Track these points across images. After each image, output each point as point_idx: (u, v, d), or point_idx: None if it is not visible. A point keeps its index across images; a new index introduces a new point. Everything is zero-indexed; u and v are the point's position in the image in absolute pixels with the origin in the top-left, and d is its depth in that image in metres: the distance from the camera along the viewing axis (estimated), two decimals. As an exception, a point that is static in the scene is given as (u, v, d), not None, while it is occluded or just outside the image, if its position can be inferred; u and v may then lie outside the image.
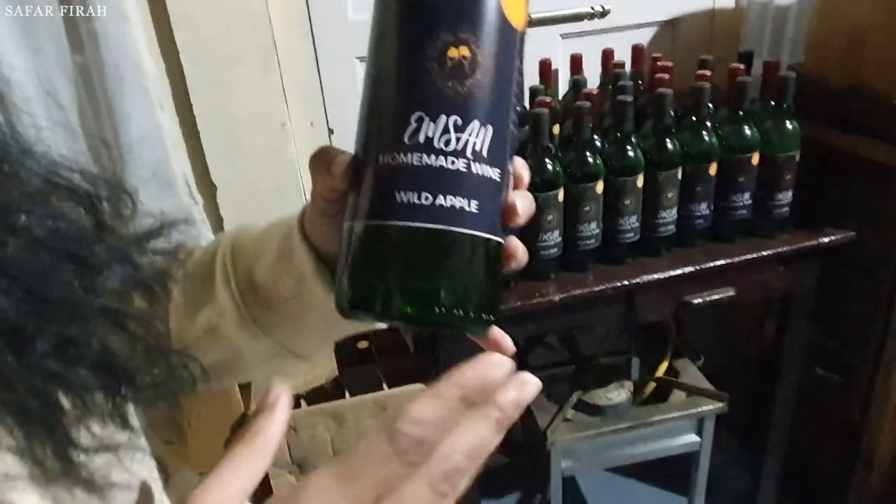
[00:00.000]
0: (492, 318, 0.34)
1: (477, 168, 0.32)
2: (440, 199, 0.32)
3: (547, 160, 1.07)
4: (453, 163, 0.32)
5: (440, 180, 0.32)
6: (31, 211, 0.26)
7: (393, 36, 0.33)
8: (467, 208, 0.32)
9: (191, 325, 0.46)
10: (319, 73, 1.41)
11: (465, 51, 0.32)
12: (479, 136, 0.32)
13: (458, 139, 0.32)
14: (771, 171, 1.17)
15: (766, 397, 1.43)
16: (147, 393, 0.29)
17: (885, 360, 1.32)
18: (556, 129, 1.20)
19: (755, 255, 1.20)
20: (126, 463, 0.28)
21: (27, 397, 0.24)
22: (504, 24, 0.33)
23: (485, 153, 0.33)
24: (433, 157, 0.32)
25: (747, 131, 1.13)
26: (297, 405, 1.18)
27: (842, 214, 1.25)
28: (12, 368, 0.23)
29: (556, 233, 1.12)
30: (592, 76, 1.34)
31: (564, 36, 1.48)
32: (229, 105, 1.33)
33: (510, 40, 0.33)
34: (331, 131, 1.46)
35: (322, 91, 1.43)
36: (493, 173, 0.33)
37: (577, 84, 1.23)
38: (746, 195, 1.18)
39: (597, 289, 1.15)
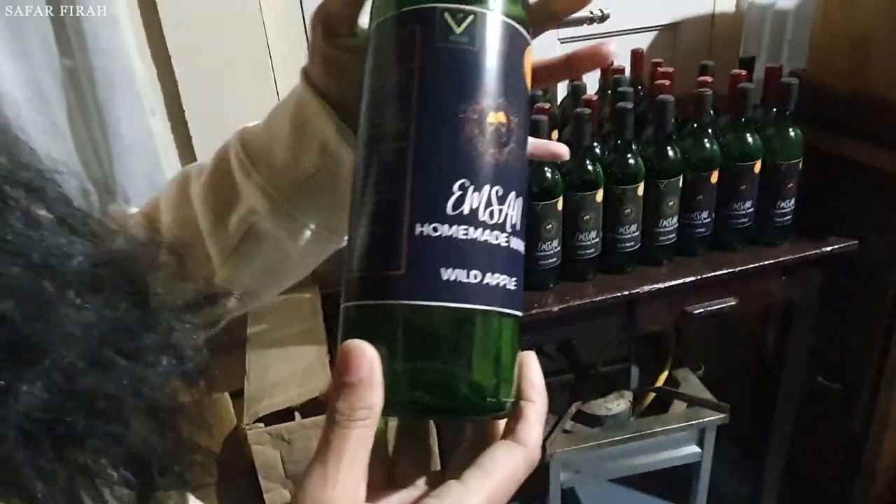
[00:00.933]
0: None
1: (515, 243, 0.30)
2: (488, 278, 0.29)
3: (545, 168, 1.05)
4: (497, 237, 0.29)
5: (488, 257, 0.29)
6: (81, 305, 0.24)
7: (427, 94, 0.30)
8: (510, 287, 0.30)
9: (225, 236, 0.44)
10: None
11: (502, 117, 0.30)
12: (514, 208, 0.30)
13: (500, 211, 0.30)
14: (773, 179, 1.15)
15: (767, 407, 1.41)
16: (170, 484, 0.27)
17: (887, 370, 1.30)
18: (555, 135, 1.18)
19: (757, 265, 1.18)
20: None
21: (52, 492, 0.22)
22: (527, 91, 0.32)
23: (518, 226, 0.31)
24: (479, 230, 0.29)
25: (749, 139, 1.12)
26: (291, 418, 1.16)
27: (845, 222, 1.23)
28: (48, 463, 0.22)
29: (556, 242, 1.10)
30: (592, 82, 1.33)
31: (563, 40, 1.46)
32: (222, 110, 1.31)
33: (529, 107, 0.33)
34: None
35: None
36: (522, 247, 0.31)
37: (576, 90, 1.21)
38: (748, 203, 1.16)
39: (596, 299, 1.12)
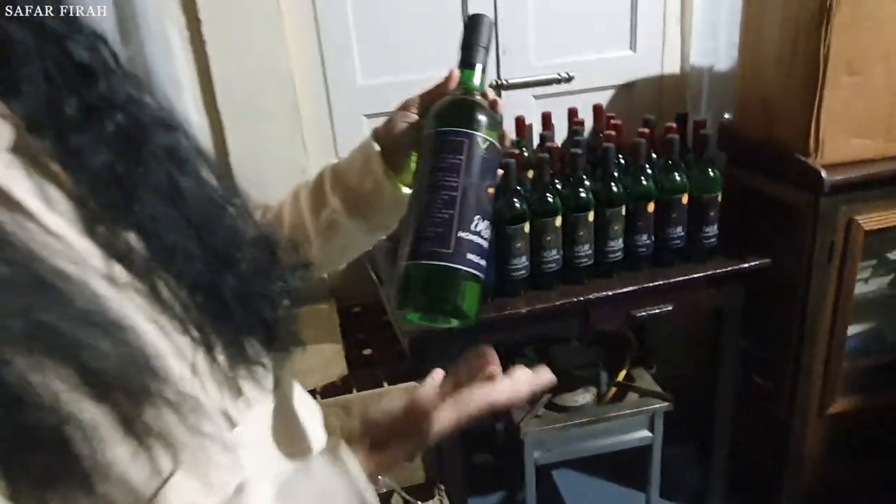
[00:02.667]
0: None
1: (487, 245, 0.63)
2: (480, 260, 0.62)
3: (515, 199, 1.35)
4: (485, 242, 0.62)
5: (481, 250, 0.62)
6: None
7: (467, 174, 0.62)
8: (484, 266, 0.62)
9: (318, 225, 0.74)
10: (333, 128, 1.71)
11: (493, 188, 0.64)
12: (490, 230, 0.63)
13: (487, 230, 0.63)
14: (698, 209, 1.44)
15: (710, 401, 1.67)
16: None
17: (802, 367, 1.57)
18: (530, 174, 1.48)
19: (689, 277, 1.46)
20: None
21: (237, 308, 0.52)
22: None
23: (488, 236, 0.63)
24: (480, 238, 0.62)
25: (677, 177, 1.41)
26: (312, 398, 1.44)
27: (762, 244, 1.52)
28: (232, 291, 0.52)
29: (524, 258, 1.39)
30: (563, 130, 1.63)
31: (537, 97, 1.78)
32: (259, 154, 1.62)
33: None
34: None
35: (335, 142, 1.72)
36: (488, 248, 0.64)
37: (543, 138, 1.52)
38: (679, 228, 1.45)
39: (558, 303, 1.41)
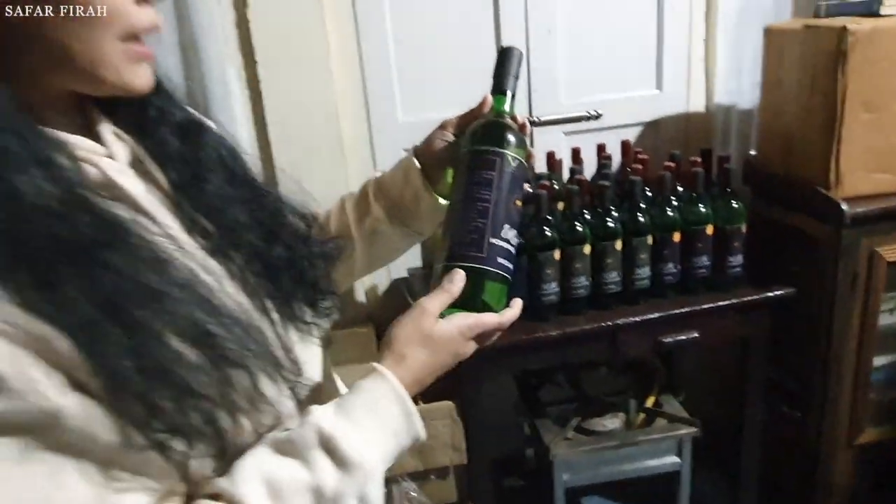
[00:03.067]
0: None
1: (515, 251, 0.73)
2: (509, 262, 0.72)
3: (546, 228, 1.43)
4: (513, 247, 0.73)
5: (509, 254, 0.72)
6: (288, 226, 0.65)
7: (499, 187, 0.71)
8: (512, 269, 0.72)
9: (362, 231, 0.83)
10: (374, 161, 1.82)
11: (521, 200, 0.73)
12: (517, 238, 0.74)
13: (515, 237, 0.73)
14: (723, 240, 1.50)
15: (739, 428, 1.70)
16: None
17: (829, 397, 1.60)
18: (560, 205, 1.56)
19: (715, 305, 1.52)
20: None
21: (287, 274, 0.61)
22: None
23: (516, 243, 0.73)
24: (508, 244, 0.72)
25: (701, 208, 1.48)
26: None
27: (787, 274, 1.57)
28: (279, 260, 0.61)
29: (554, 284, 1.47)
30: (591, 164, 1.71)
31: (567, 133, 1.87)
32: (305, 183, 1.73)
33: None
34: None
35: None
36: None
37: (572, 172, 1.60)
38: (705, 258, 1.51)
39: (587, 327, 1.48)
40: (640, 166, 1.54)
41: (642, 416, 1.72)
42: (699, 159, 1.54)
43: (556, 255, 1.45)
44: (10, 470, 0.41)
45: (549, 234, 1.43)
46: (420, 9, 1.72)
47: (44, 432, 0.42)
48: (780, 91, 1.60)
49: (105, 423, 0.44)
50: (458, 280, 0.68)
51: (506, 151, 0.71)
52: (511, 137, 0.72)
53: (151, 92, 0.56)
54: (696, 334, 1.54)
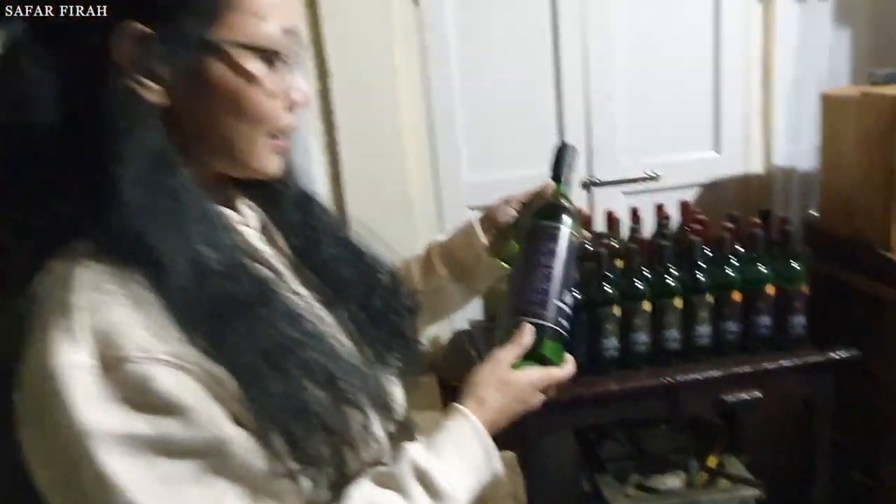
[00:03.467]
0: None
1: (571, 311, 0.82)
2: (567, 322, 0.81)
3: (605, 285, 1.48)
4: (570, 309, 0.82)
5: (568, 315, 0.81)
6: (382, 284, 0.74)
7: (561, 256, 0.81)
8: (568, 325, 0.81)
9: (428, 287, 0.91)
10: (441, 217, 1.92)
11: (577, 270, 0.83)
12: (573, 300, 0.83)
13: (573, 300, 0.82)
14: (784, 300, 1.52)
15: (804, 494, 1.66)
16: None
17: (900, 462, 1.56)
18: (620, 263, 1.62)
19: (777, 365, 1.52)
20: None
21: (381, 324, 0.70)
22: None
23: (572, 305, 0.82)
24: (567, 307, 0.81)
25: (761, 269, 1.51)
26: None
27: (851, 336, 1.56)
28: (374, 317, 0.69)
29: (614, 339, 1.51)
30: (650, 224, 1.76)
31: (626, 193, 1.93)
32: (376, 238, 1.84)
33: None
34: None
35: (441, 230, 1.92)
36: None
37: (632, 231, 1.66)
38: (766, 318, 1.53)
39: (647, 383, 1.50)
40: (698, 226, 1.58)
41: (704, 475, 1.70)
42: (758, 220, 1.57)
43: (616, 311, 1.50)
44: (187, 488, 0.50)
45: (609, 290, 1.48)
46: (487, 75, 1.85)
47: (214, 458, 0.51)
48: (838, 154, 1.63)
49: (256, 453, 0.53)
50: (527, 335, 0.76)
51: (567, 228, 0.83)
52: (569, 218, 0.84)
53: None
54: (758, 394, 1.54)
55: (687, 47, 1.88)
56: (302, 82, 0.62)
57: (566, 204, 0.87)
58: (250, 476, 0.53)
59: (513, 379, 0.73)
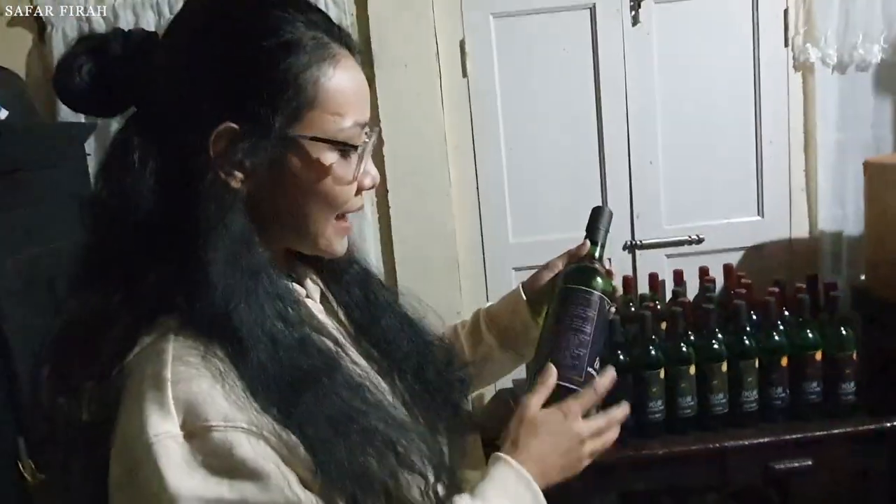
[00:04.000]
0: None
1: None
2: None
3: (650, 347, 1.50)
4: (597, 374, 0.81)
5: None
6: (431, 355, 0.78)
7: (595, 324, 0.82)
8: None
9: (473, 354, 0.94)
10: (486, 279, 1.97)
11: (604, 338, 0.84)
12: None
13: (600, 365, 0.82)
14: (833, 366, 1.51)
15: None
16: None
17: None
18: (663, 325, 1.63)
19: (828, 433, 1.50)
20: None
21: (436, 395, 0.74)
22: None
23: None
24: (596, 374, 0.80)
25: (809, 335, 1.50)
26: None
27: (905, 405, 1.53)
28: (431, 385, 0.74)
29: (660, 402, 1.51)
30: (693, 287, 1.78)
31: (669, 256, 1.96)
32: (423, 297, 1.89)
33: None
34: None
35: (486, 290, 1.97)
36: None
37: (675, 294, 1.68)
38: (815, 384, 1.52)
39: (693, 448, 1.49)
40: (743, 290, 1.59)
41: (754, 547, 1.66)
42: (804, 285, 1.58)
43: (661, 374, 1.51)
44: None
45: (653, 353, 1.50)
46: (532, 141, 1.93)
47: None
48: (884, 220, 1.64)
49: None
50: (550, 377, 0.76)
51: (601, 294, 0.84)
52: (602, 281, 0.85)
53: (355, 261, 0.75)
54: (809, 462, 1.51)
55: (728, 113, 1.93)
56: (372, 167, 0.67)
57: (598, 267, 0.87)
58: None
59: (540, 415, 0.73)
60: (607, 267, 0.91)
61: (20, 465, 1.25)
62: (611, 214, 0.94)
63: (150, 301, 0.58)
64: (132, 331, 0.58)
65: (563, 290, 0.85)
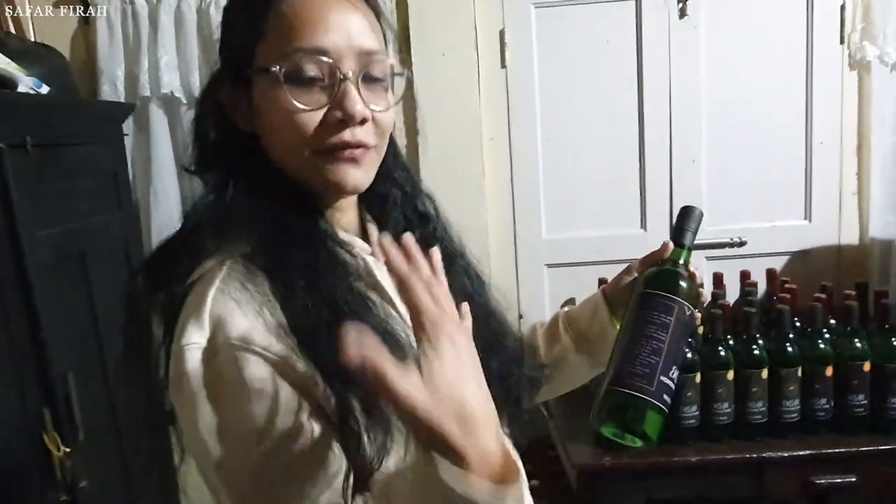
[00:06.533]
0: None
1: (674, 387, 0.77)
2: (669, 398, 0.74)
3: (687, 350, 1.44)
4: (675, 384, 0.75)
5: (671, 391, 0.75)
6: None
7: (674, 330, 0.75)
8: (670, 401, 0.75)
9: (549, 355, 0.91)
10: (517, 274, 1.93)
11: (687, 347, 0.82)
12: (678, 376, 0.77)
13: (677, 377, 0.76)
14: (882, 378, 1.43)
15: None
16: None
17: None
18: (701, 329, 1.57)
19: (874, 448, 1.42)
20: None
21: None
22: None
23: (676, 381, 0.77)
24: (673, 383, 0.75)
25: (857, 344, 1.43)
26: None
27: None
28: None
29: (695, 407, 1.45)
30: (734, 290, 1.71)
31: (709, 258, 1.89)
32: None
33: None
34: (520, 316, 1.94)
35: (518, 287, 1.93)
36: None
37: (715, 296, 1.61)
38: (861, 396, 1.44)
39: (728, 457, 1.43)
40: (787, 295, 1.52)
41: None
42: (853, 293, 1.50)
43: (697, 378, 1.44)
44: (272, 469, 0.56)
45: (690, 356, 1.44)
46: (570, 136, 1.88)
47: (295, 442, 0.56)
48: (943, 228, 1.55)
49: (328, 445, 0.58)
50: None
51: (683, 301, 0.77)
52: (685, 286, 0.79)
53: (426, 218, 0.76)
54: (852, 478, 1.43)
55: (778, 112, 1.86)
56: (351, 101, 0.63)
57: (683, 273, 0.81)
58: (321, 465, 0.56)
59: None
60: (692, 270, 0.83)
61: (45, 438, 1.25)
62: (701, 215, 0.88)
63: (218, 226, 0.63)
64: (201, 252, 0.63)
65: (641, 295, 0.80)
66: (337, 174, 0.65)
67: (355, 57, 0.64)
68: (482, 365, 0.65)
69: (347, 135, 0.64)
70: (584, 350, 0.90)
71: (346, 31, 0.63)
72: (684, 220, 0.86)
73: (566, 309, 0.95)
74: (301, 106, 0.62)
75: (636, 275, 0.87)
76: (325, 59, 0.62)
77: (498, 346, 0.73)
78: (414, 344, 0.61)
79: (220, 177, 0.66)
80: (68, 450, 1.26)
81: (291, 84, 0.62)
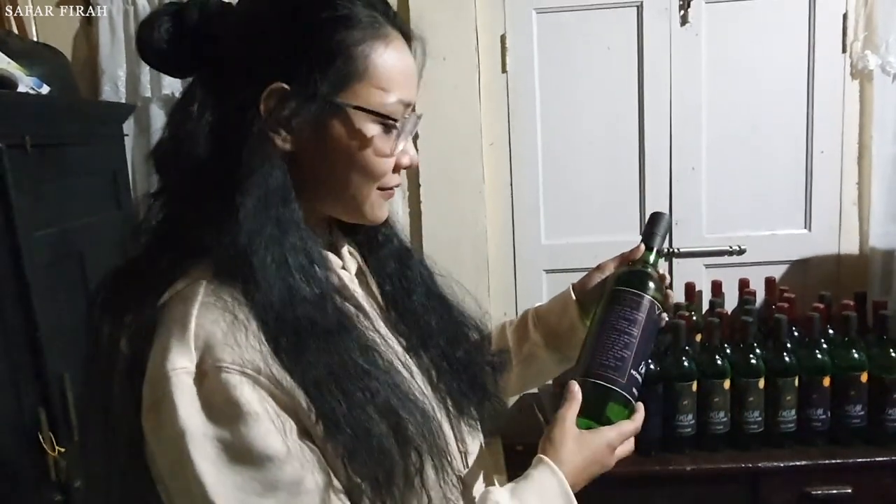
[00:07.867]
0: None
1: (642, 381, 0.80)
2: (638, 391, 0.78)
3: (684, 359, 1.43)
4: (642, 378, 0.79)
5: (639, 385, 0.79)
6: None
7: (643, 327, 0.79)
8: (637, 394, 0.78)
9: (518, 352, 0.92)
10: (516, 280, 1.93)
11: (653, 342, 0.82)
12: (645, 370, 0.81)
13: (644, 371, 0.79)
14: (879, 390, 1.42)
15: None
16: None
17: None
18: (699, 337, 1.56)
19: (870, 460, 1.41)
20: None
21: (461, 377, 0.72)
22: None
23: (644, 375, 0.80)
24: (640, 377, 0.79)
25: (855, 354, 1.42)
26: None
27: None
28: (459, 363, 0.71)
29: (691, 416, 1.45)
30: (732, 299, 1.70)
31: (707, 266, 1.88)
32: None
33: None
34: (519, 321, 1.94)
35: (516, 291, 1.93)
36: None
37: (712, 304, 1.61)
38: (858, 407, 1.43)
39: (724, 466, 1.42)
40: (785, 305, 1.52)
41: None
42: (852, 303, 1.50)
43: (694, 386, 1.44)
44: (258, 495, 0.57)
45: (687, 364, 1.44)
46: (570, 143, 1.88)
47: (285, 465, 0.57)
48: (943, 239, 1.54)
49: (318, 465, 0.59)
50: (576, 391, 0.75)
51: (652, 297, 0.82)
52: (653, 285, 0.83)
53: (382, 223, 0.74)
54: (848, 490, 1.42)
55: (779, 121, 1.85)
56: (411, 148, 0.69)
57: (651, 272, 0.85)
58: (313, 487, 0.57)
59: (590, 440, 0.72)
60: (661, 272, 0.88)
61: (40, 438, 1.25)
62: (669, 222, 0.92)
63: (190, 240, 0.62)
64: (169, 272, 0.62)
65: (613, 292, 0.83)
66: (384, 209, 0.70)
67: None
68: (448, 355, 0.74)
69: (399, 178, 0.70)
70: (554, 346, 0.92)
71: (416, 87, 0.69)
72: (654, 225, 0.90)
73: (536, 306, 0.97)
74: (389, 150, 0.66)
75: (607, 273, 0.90)
76: (411, 113, 0.67)
77: (460, 336, 0.76)
78: (394, 356, 0.65)
79: (218, 180, 0.62)
80: (63, 450, 1.26)
81: (383, 127, 0.65)
